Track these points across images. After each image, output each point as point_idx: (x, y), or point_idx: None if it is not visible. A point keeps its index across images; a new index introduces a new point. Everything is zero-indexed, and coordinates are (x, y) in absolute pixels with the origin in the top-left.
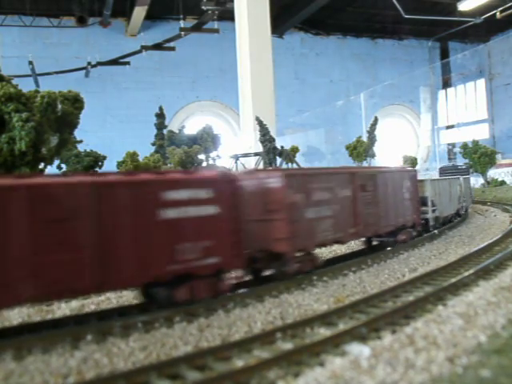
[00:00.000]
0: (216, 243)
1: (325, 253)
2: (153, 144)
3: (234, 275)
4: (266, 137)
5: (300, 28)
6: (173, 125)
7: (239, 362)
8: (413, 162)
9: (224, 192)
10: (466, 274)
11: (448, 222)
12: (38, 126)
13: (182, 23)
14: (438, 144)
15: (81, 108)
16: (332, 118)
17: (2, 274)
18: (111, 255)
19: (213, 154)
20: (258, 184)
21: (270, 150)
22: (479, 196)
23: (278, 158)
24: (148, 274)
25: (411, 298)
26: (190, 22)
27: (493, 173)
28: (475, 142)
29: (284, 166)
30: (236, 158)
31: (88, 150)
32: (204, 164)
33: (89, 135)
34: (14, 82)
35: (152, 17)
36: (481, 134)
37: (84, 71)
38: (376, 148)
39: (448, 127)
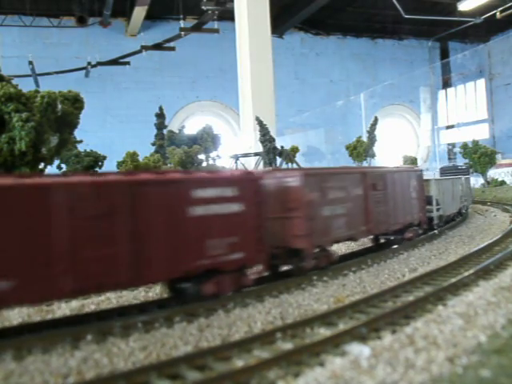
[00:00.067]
0: (240, 239)
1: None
2: (153, 144)
3: (255, 270)
4: (266, 137)
5: (300, 28)
6: (173, 125)
7: (239, 362)
8: (413, 161)
9: (248, 190)
10: (466, 274)
11: (451, 220)
12: (38, 126)
13: (182, 23)
14: (437, 144)
15: (81, 108)
16: (332, 118)
17: (45, 268)
18: (145, 250)
19: (213, 154)
20: (277, 183)
21: (269, 150)
22: (479, 196)
23: (278, 157)
24: (178, 269)
25: (411, 298)
26: (190, 21)
27: (493, 173)
28: (475, 142)
29: (284, 165)
30: (236, 157)
31: (88, 150)
32: (204, 164)
33: (89, 135)
34: (14, 82)
35: (152, 17)
36: (481, 134)
37: (84, 71)
38: (376, 148)
39: (448, 127)
